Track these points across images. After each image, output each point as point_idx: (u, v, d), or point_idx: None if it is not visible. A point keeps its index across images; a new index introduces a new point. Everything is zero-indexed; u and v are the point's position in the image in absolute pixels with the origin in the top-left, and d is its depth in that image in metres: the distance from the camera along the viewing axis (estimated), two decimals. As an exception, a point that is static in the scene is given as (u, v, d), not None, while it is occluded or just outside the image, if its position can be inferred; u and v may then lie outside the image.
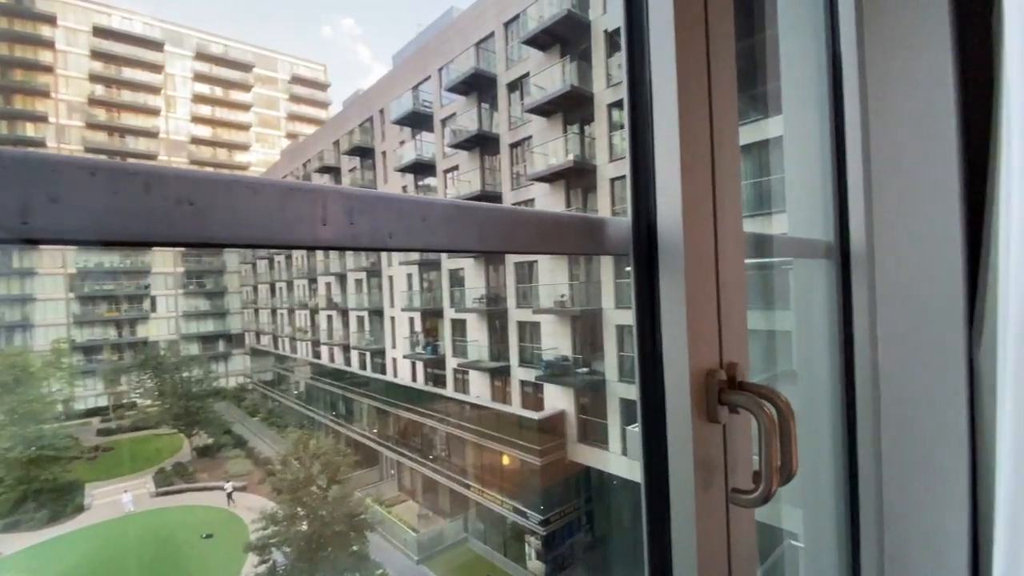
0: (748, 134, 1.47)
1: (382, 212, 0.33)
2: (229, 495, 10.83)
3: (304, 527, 8.94)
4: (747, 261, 0.79)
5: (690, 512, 0.51)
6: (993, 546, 0.90)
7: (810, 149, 1.17)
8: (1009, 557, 0.84)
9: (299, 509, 9.09)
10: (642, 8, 0.53)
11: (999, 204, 0.94)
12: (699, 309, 0.52)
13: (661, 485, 0.54)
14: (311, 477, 9.37)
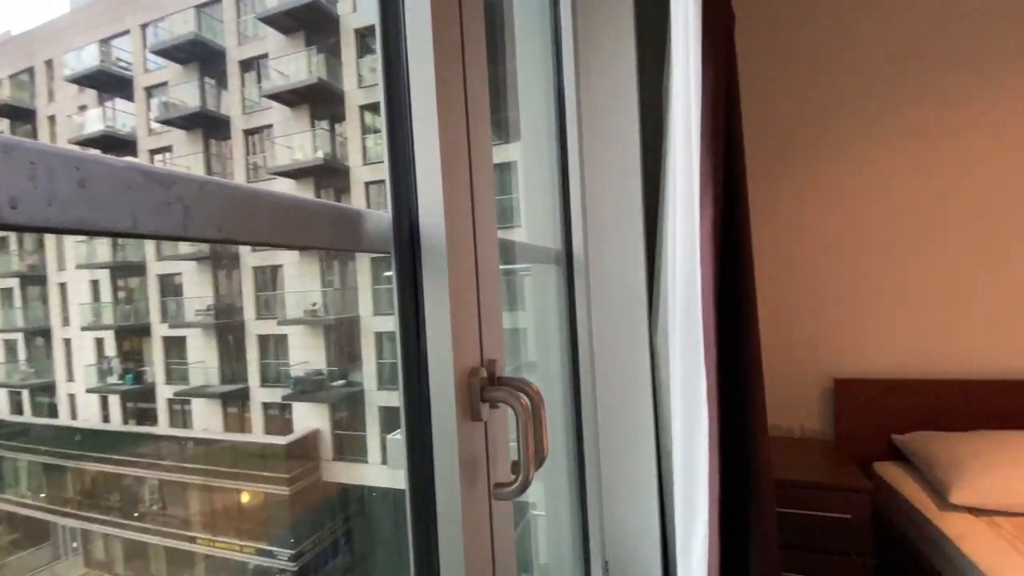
0: (495, 155, 1.62)
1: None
2: None
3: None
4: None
5: (457, 514, 0.50)
6: (674, 485, 1.18)
7: (542, 171, 1.35)
8: (683, 488, 1.11)
9: None
10: (399, 14, 0.50)
11: (666, 220, 1.25)
12: (462, 309, 0.51)
13: (427, 491, 0.52)
14: (-86, 586, 6.29)
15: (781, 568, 1.44)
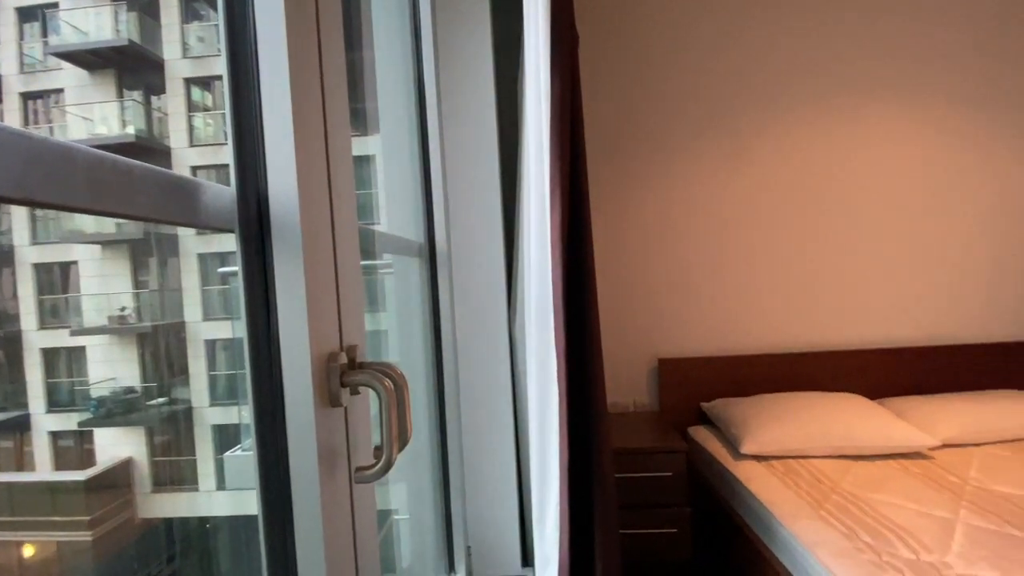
0: (354, 147, 1.56)
1: None
2: None
3: None
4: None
5: (315, 505, 0.48)
6: (530, 461, 1.26)
7: (403, 165, 1.34)
8: (538, 464, 1.19)
9: None
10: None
11: (523, 217, 1.34)
12: (319, 292, 0.50)
13: (282, 485, 0.49)
14: None
15: (619, 526, 1.63)
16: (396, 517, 1.39)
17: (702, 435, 2.12)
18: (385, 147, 1.34)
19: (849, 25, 2.28)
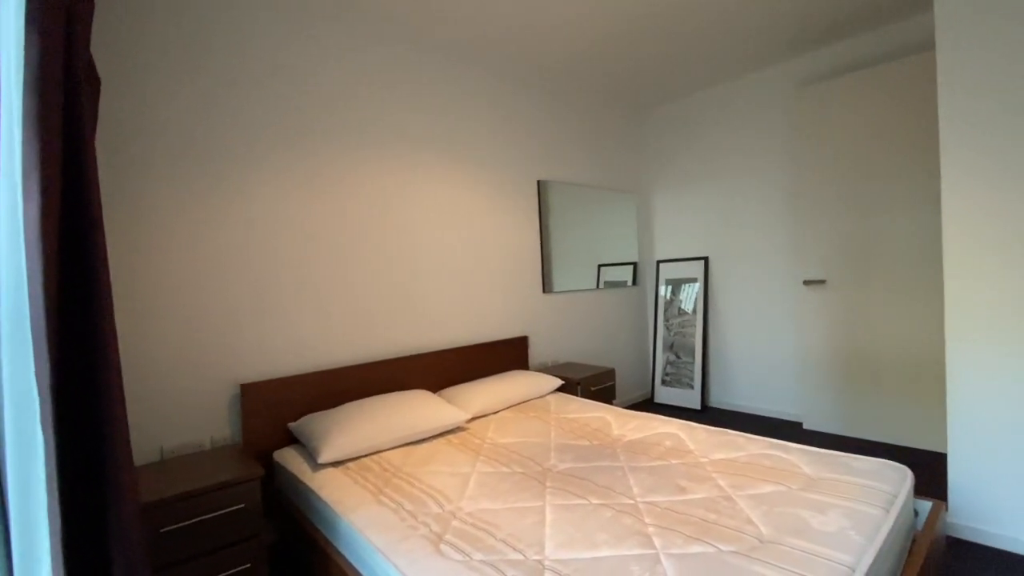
0: None
1: None
2: None
3: None
4: None
5: None
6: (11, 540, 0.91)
7: None
8: (20, 540, 0.88)
9: None
10: None
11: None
12: None
13: None
14: None
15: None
16: None
17: (288, 456, 2.08)
18: None
19: (408, 90, 2.80)
